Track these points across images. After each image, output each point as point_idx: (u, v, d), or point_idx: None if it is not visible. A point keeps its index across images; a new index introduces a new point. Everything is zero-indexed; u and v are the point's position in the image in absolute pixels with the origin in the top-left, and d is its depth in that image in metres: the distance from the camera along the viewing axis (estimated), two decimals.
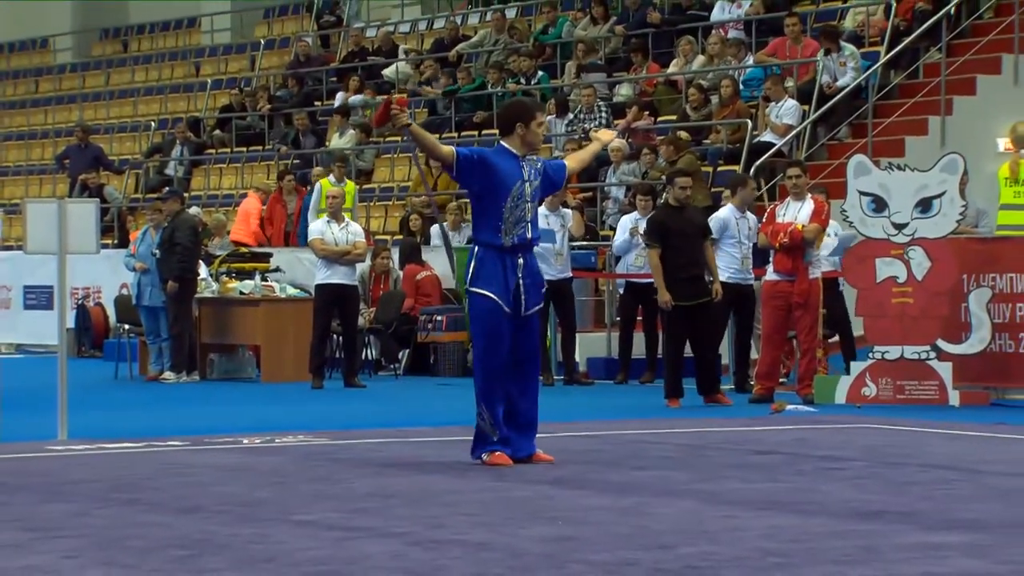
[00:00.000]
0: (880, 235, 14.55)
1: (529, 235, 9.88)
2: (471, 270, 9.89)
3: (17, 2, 38.19)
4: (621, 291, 17.77)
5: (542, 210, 17.32)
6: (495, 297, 9.82)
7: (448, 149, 10.03)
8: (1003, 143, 20.45)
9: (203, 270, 18.91)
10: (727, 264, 15.56)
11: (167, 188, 22.01)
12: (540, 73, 23.96)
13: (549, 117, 22.47)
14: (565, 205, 17.89)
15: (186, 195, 26.88)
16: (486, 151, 10.17)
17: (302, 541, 7.19)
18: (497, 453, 9.84)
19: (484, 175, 9.85)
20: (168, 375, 17.82)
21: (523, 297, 9.84)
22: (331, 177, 20.57)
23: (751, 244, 15.58)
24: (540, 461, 9.93)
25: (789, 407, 13.91)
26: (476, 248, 9.91)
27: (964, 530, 7.39)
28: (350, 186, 20.60)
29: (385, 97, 10.12)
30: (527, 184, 9.86)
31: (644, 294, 17.20)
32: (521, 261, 9.86)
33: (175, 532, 7.46)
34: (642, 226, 17.04)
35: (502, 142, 10.04)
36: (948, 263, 14.46)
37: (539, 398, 10.11)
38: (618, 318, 17.93)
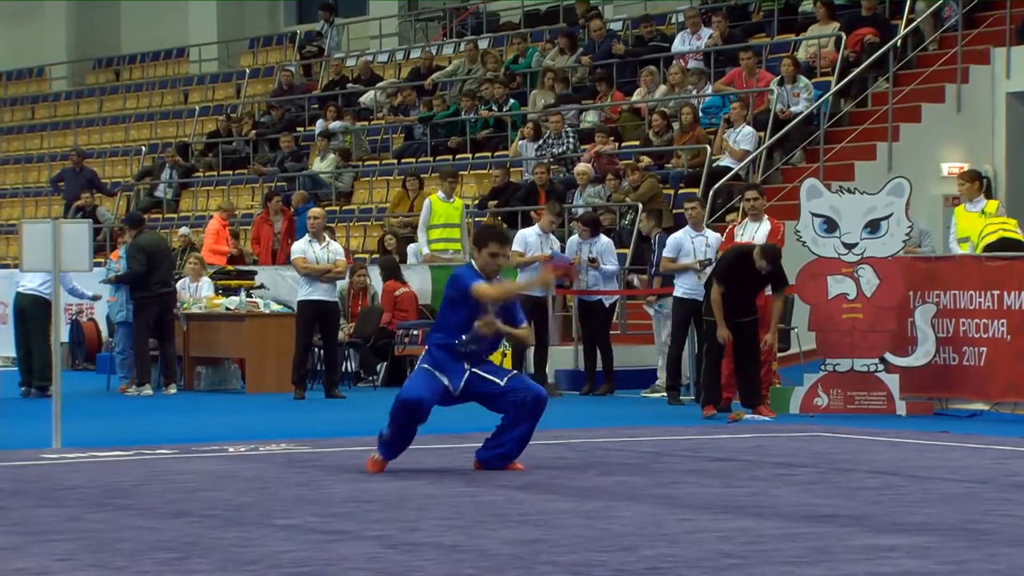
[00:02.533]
0: (831, 254, 14.59)
1: (476, 348, 9.82)
2: (426, 357, 9.95)
3: (14, 33, 38.12)
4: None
5: (535, 230, 17.41)
6: (439, 375, 9.83)
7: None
8: (947, 168, 20.58)
9: (187, 288, 18.81)
10: (683, 281, 15.64)
11: (128, 215, 21.85)
12: (511, 101, 24.01)
13: (522, 141, 22.54)
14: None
15: (174, 216, 26.94)
16: (464, 274, 9.96)
17: (284, 544, 7.18)
18: (376, 459, 9.88)
19: (456, 291, 9.89)
20: (131, 389, 17.79)
21: (472, 382, 9.83)
22: (440, 193, 19.79)
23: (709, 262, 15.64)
24: (512, 469, 9.96)
25: (746, 416, 13.94)
26: (431, 344, 9.99)
27: (910, 532, 7.42)
28: (459, 203, 19.90)
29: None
30: (490, 306, 9.84)
31: (592, 311, 17.27)
32: (467, 364, 9.86)
33: (164, 535, 7.44)
34: (584, 251, 17.14)
35: (472, 261, 10.07)
36: (895, 281, 14.52)
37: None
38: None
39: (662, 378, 16.82)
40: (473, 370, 9.91)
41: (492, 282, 9.84)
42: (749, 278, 14.08)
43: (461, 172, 23.27)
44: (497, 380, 9.92)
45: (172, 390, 17.78)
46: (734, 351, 14.28)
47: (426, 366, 9.96)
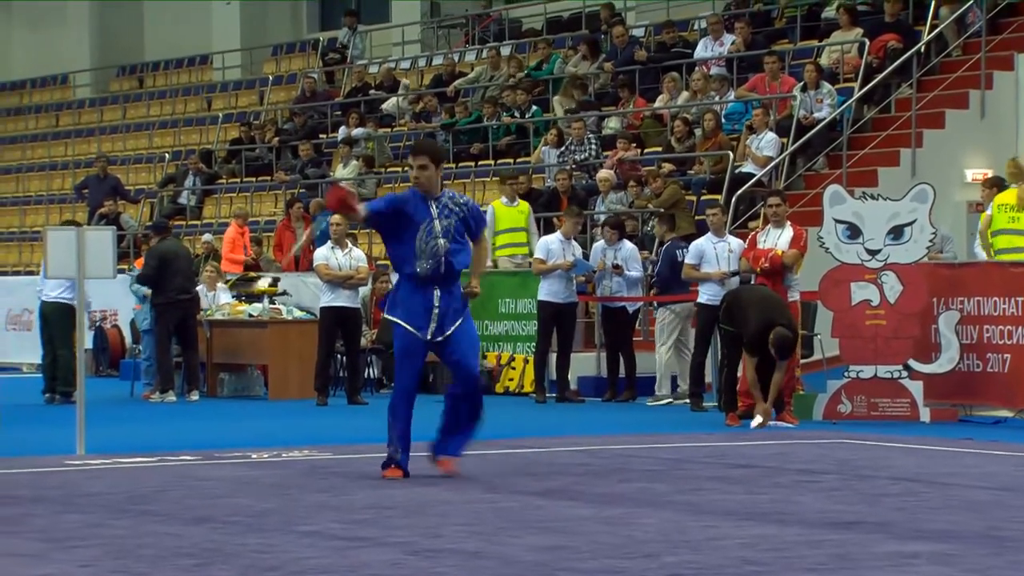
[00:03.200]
0: (855, 261, 14.57)
1: (443, 269, 9.85)
2: (389, 298, 10.21)
3: (38, 40, 38.28)
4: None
5: (557, 236, 17.39)
6: (406, 324, 9.93)
7: (362, 211, 10.10)
8: (971, 174, 20.52)
9: (205, 296, 18.81)
10: (707, 288, 15.63)
11: (154, 222, 21.85)
12: (534, 107, 24.02)
13: (545, 147, 22.53)
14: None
15: (197, 223, 27.00)
16: (398, 196, 10.29)
17: (306, 550, 7.19)
18: (391, 468, 9.99)
19: (394, 220, 9.98)
20: (154, 396, 17.80)
21: (440, 322, 9.86)
22: (503, 198, 19.41)
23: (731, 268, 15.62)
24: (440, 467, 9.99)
25: (770, 423, 13.90)
26: (397, 279, 10.16)
27: (933, 539, 7.40)
28: (524, 205, 19.42)
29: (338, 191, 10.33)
30: (436, 221, 9.89)
31: (616, 318, 17.28)
32: (436, 292, 9.89)
33: (186, 542, 7.46)
34: (609, 256, 17.18)
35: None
36: (919, 287, 14.49)
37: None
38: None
39: (675, 386, 16.84)
40: (439, 311, 9.85)
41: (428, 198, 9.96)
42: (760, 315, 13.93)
43: (483, 179, 23.30)
44: (416, 329, 9.84)
45: (194, 396, 17.79)
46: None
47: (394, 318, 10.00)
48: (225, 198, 27.59)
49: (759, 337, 13.62)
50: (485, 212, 10.58)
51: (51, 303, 17.42)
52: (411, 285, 9.96)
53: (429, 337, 9.94)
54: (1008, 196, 14.96)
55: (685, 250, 16.76)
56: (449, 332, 9.93)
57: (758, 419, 13.80)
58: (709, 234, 15.98)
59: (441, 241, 9.86)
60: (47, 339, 17.65)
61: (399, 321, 9.97)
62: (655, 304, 17.48)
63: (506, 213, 19.31)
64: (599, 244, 17.73)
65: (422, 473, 10.17)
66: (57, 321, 17.35)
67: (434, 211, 9.94)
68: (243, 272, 21.02)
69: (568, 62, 24.91)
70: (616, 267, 17.22)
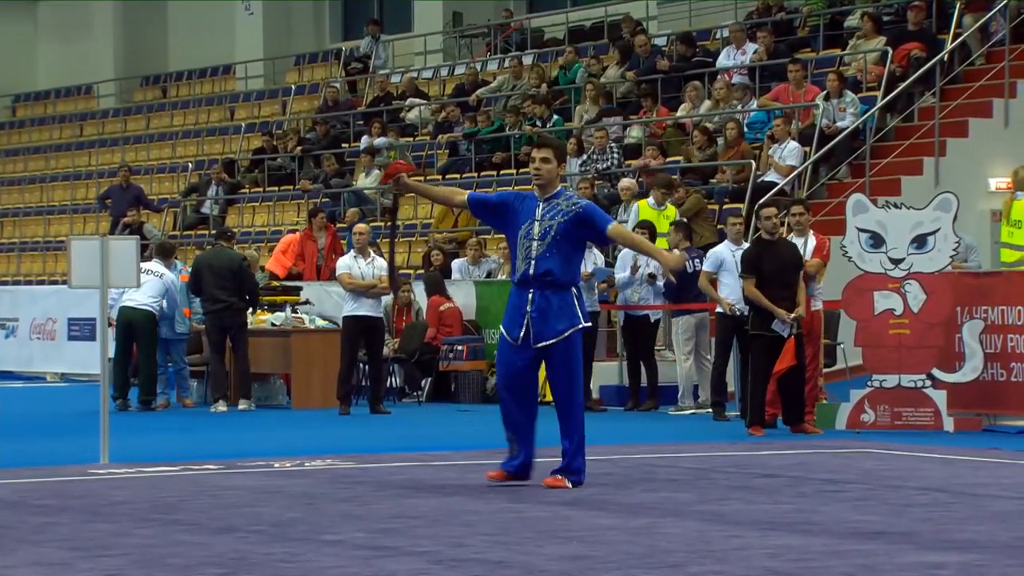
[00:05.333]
0: (878, 270, 14.53)
1: (532, 271, 9.70)
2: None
3: (63, 51, 38.44)
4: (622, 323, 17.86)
5: None
6: (503, 329, 9.89)
7: (461, 198, 10.11)
8: (995, 183, 20.46)
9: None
10: (727, 295, 15.58)
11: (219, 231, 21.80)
12: (555, 117, 24.03)
13: None
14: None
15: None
16: (514, 193, 10.23)
17: (331, 560, 7.19)
18: (494, 471, 9.91)
19: (499, 216, 9.92)
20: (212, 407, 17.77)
21: (531, 330, 9.75)
22: (650, 200, 18.70)
23: None
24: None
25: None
26: None
27: (960, 550, 7.36)
28: (671, 210, 18.59)
29: (398, 165, 10.32)
30: (536, 223, 9.74)
31: (638, 327, 17.25)
32: (530, 295, 9.76)
33: (211, 551, 7.46)
34: (641, 262, 17.13)
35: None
36: (943, 296, 14.44)
37: (551, 424, 10.03)
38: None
39: (697, 395, 16.82)
40: (532, 316, 9.70)
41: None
42: (773, 262, 14.01)
43: (504, 188, 23.29)
44: (515, 337, 9.72)
45: (242, 406, 17.46)
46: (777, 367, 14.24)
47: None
48: (248, 207, 27.66)
49: (752, 253, 14.08)
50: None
51: (139, 310, 17.28)
52: (514, 289, 9.83)
53: (520, 342, 9.72)
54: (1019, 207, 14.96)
55: (696, 260, 16.73)
56: (548, 344, 9.69)
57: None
58: (727, 242, 15.92)
59: (535, 243, 9.69)
60: (123, 346, 17.50)
61: (501, 328, 9.87)
62: (671, 313, 17.47)
63: (650, 216, 18.36)
64: (626, 251, 17.64)
65: (446, 483, 10.15)
66: (143, 326, 17.32)
67: (539, 212, 9.73)
68: (283, 276, 20.98)
69: (591, 71, 24.90)
70: (651, 276, 17.17)
